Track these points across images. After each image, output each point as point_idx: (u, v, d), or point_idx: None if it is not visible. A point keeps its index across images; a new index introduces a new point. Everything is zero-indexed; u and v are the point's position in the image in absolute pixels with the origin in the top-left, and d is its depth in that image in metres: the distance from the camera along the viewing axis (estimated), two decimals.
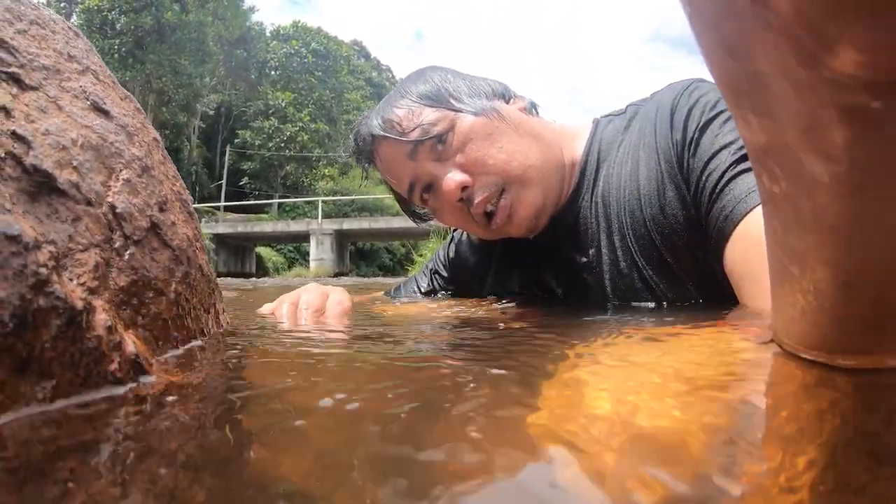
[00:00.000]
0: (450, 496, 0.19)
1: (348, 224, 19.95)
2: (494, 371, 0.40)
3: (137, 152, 0.51)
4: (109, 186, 0.44)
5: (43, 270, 0.28)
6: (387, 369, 0.44)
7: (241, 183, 29.78)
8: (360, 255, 29.01)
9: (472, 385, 0.35)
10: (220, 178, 29.45)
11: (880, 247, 0.28)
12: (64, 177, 0.39)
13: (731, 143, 0.79)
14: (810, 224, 0.28)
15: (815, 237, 0.29)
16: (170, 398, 0.32)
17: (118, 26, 23.39)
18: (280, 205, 28.26)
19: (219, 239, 19.64)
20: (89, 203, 0.41)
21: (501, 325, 0.71)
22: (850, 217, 0.26)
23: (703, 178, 0.81)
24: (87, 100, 0.48)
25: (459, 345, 0.57)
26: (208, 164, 32.86)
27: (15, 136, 0.36)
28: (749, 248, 0.72)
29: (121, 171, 0.47)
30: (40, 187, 0.37)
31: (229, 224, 21.30)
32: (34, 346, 0.27)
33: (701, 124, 0.84)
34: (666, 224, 0.88)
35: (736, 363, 0.40)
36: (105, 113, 0.50)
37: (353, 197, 25.94)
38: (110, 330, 0.33)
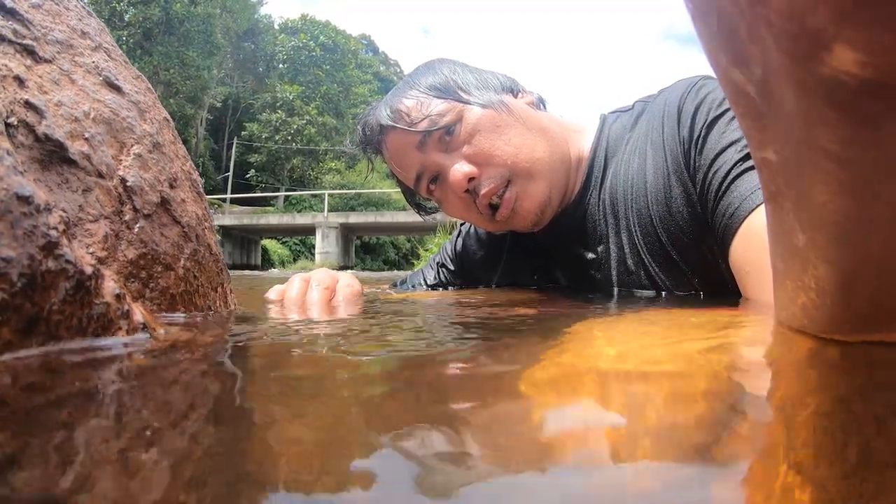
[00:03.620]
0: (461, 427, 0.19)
1: (354, 218, 19.98)
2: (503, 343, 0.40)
3: (149, 128, 0.51)
4: (121, 160, 0.45)
5: (53, 233, 0.28)
6: (396, 339, 0.44)
7: (248, 175, 29.83)
8: (366, 250, 29.03)
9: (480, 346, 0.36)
10: (227, 171, 29.50)
11: (880, 245, 0.28)
12: (76, 147, 0.39)
13: (738, 140, 0.79)
14: (811, 222, 0.28)
15: (816, 235, 0.29)
16: (174, 353, 0.32)
17: (126, 17, 23.43)
18: (286, 198, 28.31)
19: (225, 231, 19.70)
20: (100, 175, 0.41)
21: (508, 307, 0.71)
22: (849, 215, 0.26)
23: (710, 175, 0.81)
24: (100, 75, 0.48)
25: (471, 313, 0.57)
26: (215, 157, 32.93)
27: (28, 105, 0.36)
28: (754, 245, 0.72)
29: (132, 145, 0.47)
30: (52, 156, 0.37)
31: (235, 216, 21.36)
32: (42, 307, 0.28)
33: (708, 122, 0.83)
34: (672, 221, 0.88)
35: (736, 330, 0.41)
36: (117, 89, 0.50)
37: (359, 191, 25.96)
38: (119, 298, 0.34)
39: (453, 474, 0.17)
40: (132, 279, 0.42)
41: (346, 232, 20.58)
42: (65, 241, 0.29)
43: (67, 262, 0.29)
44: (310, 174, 30.11)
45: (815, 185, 0.26)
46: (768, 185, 0.31)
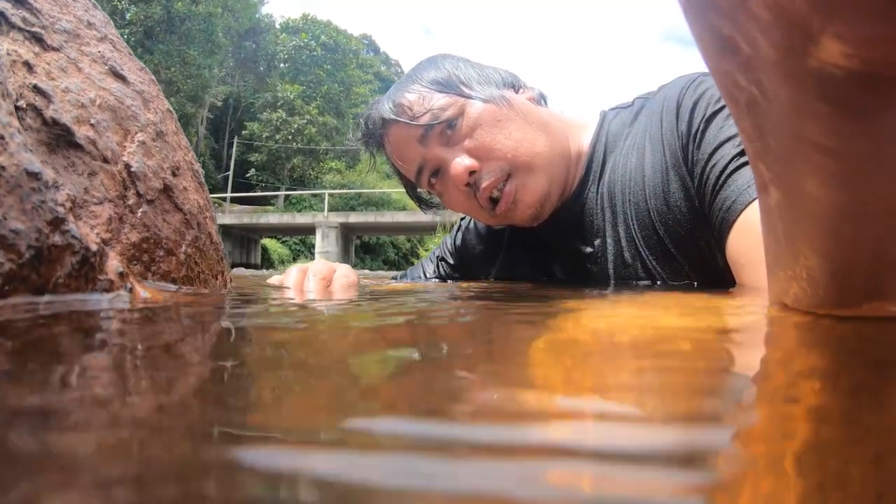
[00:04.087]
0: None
1: (354, 217, 19.99)
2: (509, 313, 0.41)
3: (153, 118, 0.52)
4: (125, 146, 0.46)
5: (61, 209, 0.29)
6: (393, 315, 0.45)
7: (248, 175, 29.83)
8: (366, 249, 29.03)
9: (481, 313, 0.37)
10: (227, 170, 29.51)
11: (871, 237, 0.28)
12: (82, 132, 0.40)
13: (735, 135, 0.79)
14: (802, 214, 0.29)
15: (807, 227, 0.29)
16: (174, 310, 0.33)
17: (128, 16, 23.47)
18: (286, 197, 28.33)
19: (225, 230, 19.70)
20: (105, 160, 0.42)
21: (504, 292, 0.72)
22: (840, 208, 0.27)
23: (707, 169, 0.82)
24: (106, 65, 0.49)
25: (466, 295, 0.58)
26: (216, 156, 32.94)
27: (36, 89, 0.37)
28: (750, 238, 0.73)
29: (136, 133, 0.48)
30: (59, 140, 0.38)
31: (235, 215, 21.37)
32: (48, 279, 0.29)
33: (706, 116, 0.84)
34: (669, 215, 0.89)
35: (729, 305, 0.42)
36: (122, 78, 0.51)
37: (359, 190, 25.98)
38: (122, 276, 0.35)
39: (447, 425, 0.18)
40: (135, 262, 0.43)
41: (346, 231, 20.61)
42: (71, 217, 0.30)
43: (73, 237, 0.30)
44: (310, 174, 30.10)
45: (806, 178, 0.26)
46: (761, 178, 0.31)
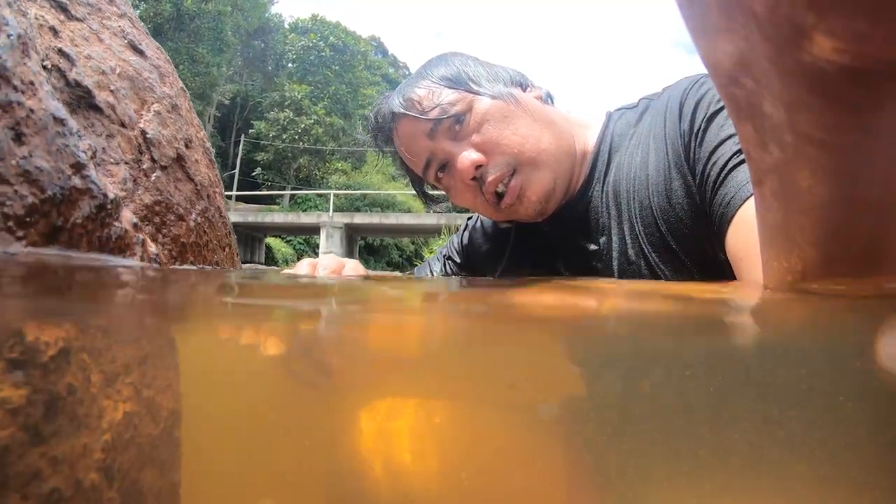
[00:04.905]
0: None
1: (359, 218, 20.03)
2: None
3: (168, 91, 0.55)
4: (141, 115, 0.48)
5: (83, 155, 0.31)
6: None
7: (254, 173, 29.92)
8: (369, 251, 29.03)
9: None
10: (234, 168, 29.60)
11: (865, 229, 0.29)
12: (102, 97, 0.43)
13: (736, 133, 0.81)
14: (795, 206, 0.29)
15: (800, 218, 0.30)
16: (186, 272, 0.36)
17: (137, 12, 23.53)
18: (292, 196, 28.40)
19: None
20: (123, 125, 0.45)
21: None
22: (832, 199, 0.27)
23: (708, 167, 0.83)
24: (125, 38, 0.52)
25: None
26: (222, 154, 33.02)
27: (61, 52, 0.40)
28: (748, 233, 0.74)
29: (152, 103, 0.50)
30: (80, 101, 0.40)
31: (240, 213, 21.42)
32: (67, 218, 0.31)
33: (708, 115, 0.86)
34: (672, 213, 0.91)
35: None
36: (140, 52, 0.53)
37: (364, 191, 26.04)
38: (136, 227, 0.37)
39: None
40: (146, 222, 0.46)
41: (351, 232, 20.64)
42: (92, 165, 0.32)
43: (93, 182, 0.32)
44: (316, 174, 30.16)
45: (799, 171, 0.27)
46: (756, 172, 0.31)
